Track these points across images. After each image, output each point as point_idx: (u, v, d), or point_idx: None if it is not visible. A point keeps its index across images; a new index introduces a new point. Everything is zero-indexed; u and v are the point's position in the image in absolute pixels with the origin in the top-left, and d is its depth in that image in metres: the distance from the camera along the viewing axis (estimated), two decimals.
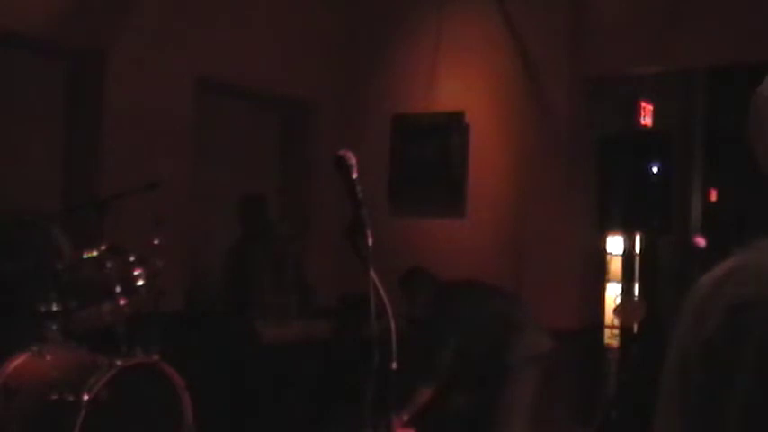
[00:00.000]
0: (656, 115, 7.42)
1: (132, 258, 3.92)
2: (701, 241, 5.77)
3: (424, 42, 6.61)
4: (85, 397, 3.38)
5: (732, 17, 5.39)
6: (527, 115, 6.11)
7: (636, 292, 6.90)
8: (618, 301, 6.47)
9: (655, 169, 6.73)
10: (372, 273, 2.30)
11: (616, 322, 6.58)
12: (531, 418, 4.62)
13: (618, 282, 6.89)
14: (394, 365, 2.38)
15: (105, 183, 5.20)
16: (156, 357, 3.70)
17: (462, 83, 6.47)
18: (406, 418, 4.38)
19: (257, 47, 6.22)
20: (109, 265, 3.85)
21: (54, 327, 3.83)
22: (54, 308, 3.79)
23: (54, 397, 3.44)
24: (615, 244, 6.93)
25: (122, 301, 3.82)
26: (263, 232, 6.08)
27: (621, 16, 5.82)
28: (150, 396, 3.67)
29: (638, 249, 7.04)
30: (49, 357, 3.65)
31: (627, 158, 6.60)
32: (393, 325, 2.34)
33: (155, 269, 3.98)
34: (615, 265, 6.95)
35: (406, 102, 6.73)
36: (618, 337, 6.71)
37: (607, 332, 6.70)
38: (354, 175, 2.32)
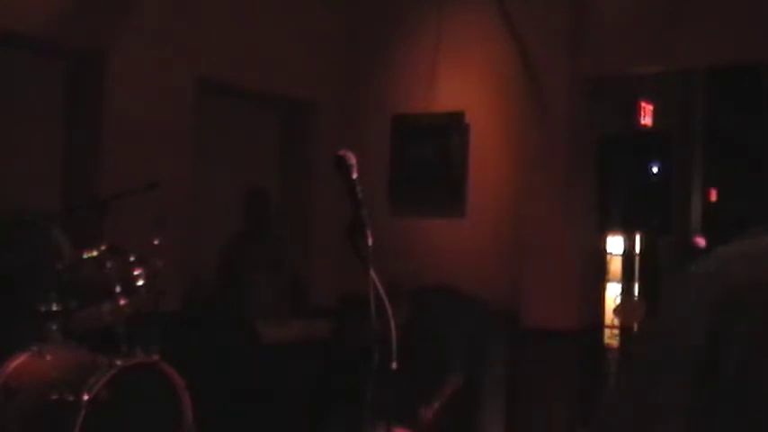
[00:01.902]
0: (656, 115, 7.43)
1: (132, 258, 3.92)
2: (700, 241, 5.78)
3: (425, 42, 6.61)
4: (85, 397, 3.38)
5: (732, 17, 5.39)
6: (527, 115, 6.11)
7: (636, 292, 6.90)
8: (618, 301, 6.47)
9: (655, 169, 6.74)
10: (372, 273, 2.30)
11: (616, 322, 6.58)
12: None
13: (618, 282, 6.89)
14: (394, 365, 2.38)
15: (105, 183, 5.20)
16: (156, 357, 3.70)
17: (462, 83, 6.47)
18: (437, 406, 4.37)
19: (257, 47, 6.22)
20: (109, 265, 3.85)
21: (54, 327, 3.82)
22: (54, 308, 3.79)
23: (54, 397, 3.44)
24: (615, 244, 6.93)
25: (122, 301, 3.82)
26: (264, 230, 6.08)
27: (621, 16, 5.82)
28: (150, 396, 3.67)
29: (638, 249, 7.05)
30: (49, 357, 3.65)
31: (627, 158, 6.61)
32: (393, 325, 2.34)
33: (155, 269, 3.98)
34: (615, 265, 6.95)
35: (406, 102, 6.73)
36: (618, 337, 6.71)
37: (607, 332, 6.70)
38: (354, 175, 2.32)
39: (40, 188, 5.22)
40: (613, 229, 6.74)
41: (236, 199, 6.19)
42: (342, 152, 2.35)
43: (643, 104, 7.31)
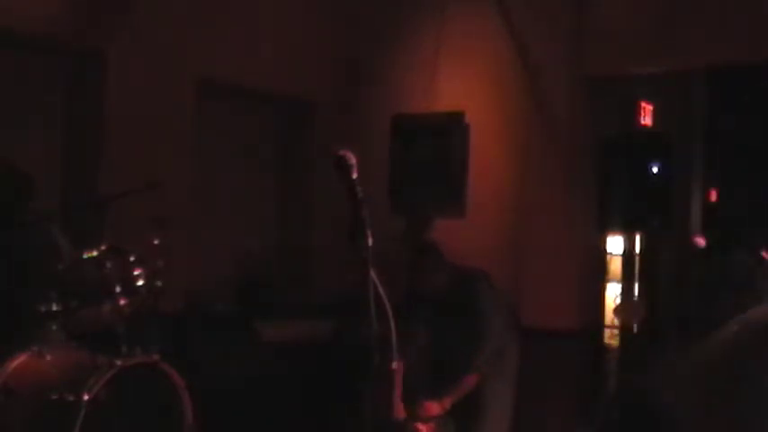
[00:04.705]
0: (656, 115, 7.42)
1: (132, 258, 3.91)
2: (700, 241, 5.77)
3: (425, 43, 6.61)
4: (85, 397, 3.37)
5: (731, 17, 5.39)
6: (527, 115, 6.11)
7: (636, 292, 6.90)
8: (618, 301, 6.47)
9: (655, 169, 6.74)
10: (372, 273, 2.30)
11: (616, 322, 6.58)
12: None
13: (618, 282, 6.89)
14: (394, 365, 2.38)
15: (105, 183, 5.20)
16: (156, 357, 3.69)
17: (462, 83, 6.47)
18: (448, 405, 4.25)
19: (257, 47, 6.22)
20: (109, 265, 3.83)
21: (54, 327, 3.82)
22: (54, 308, 3.78)
23: (54, 397, 3.43)
24: (615, 244, 6.93)
25: (122, 301, 3.80)
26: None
27: (621, 16, 5.82)
28: (150, 396, 3.67)
29: (638, 249, 7.05)
30: (49, 357, 3.65)
31: (627, 158, 6.61)
32: (393, 325, 2.34)
33: (155, 269, 3.98)
34: (615, 265, 6.95)
35: (406, 102, 6.73)
36: (618, 337, 6.71)
37: (607, 332, 6.70)
38: (354, 175, 2.32)
39: (40, 188, 5.22)
40: (613, 229, 6.74)
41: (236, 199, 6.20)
42: (342, 152, 2.34)
43: (643, 104, 7.30)
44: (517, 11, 6.13)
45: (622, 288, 6.83)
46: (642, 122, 7.32)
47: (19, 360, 3.66)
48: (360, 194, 2.31)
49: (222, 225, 6.31)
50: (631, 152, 6.69)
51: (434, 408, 4.20)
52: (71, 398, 3.38)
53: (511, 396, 4.51)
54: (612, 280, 6.87)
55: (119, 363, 3.55)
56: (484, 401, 4.37)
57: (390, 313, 2.33)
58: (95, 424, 3.38)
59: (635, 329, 6.64)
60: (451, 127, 6.48)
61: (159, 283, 3.99)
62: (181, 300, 5.54)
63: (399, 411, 4.14)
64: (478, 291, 4.35)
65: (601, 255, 6.72)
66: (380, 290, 2.30)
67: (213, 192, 6.28)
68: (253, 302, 6.29)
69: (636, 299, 6.71)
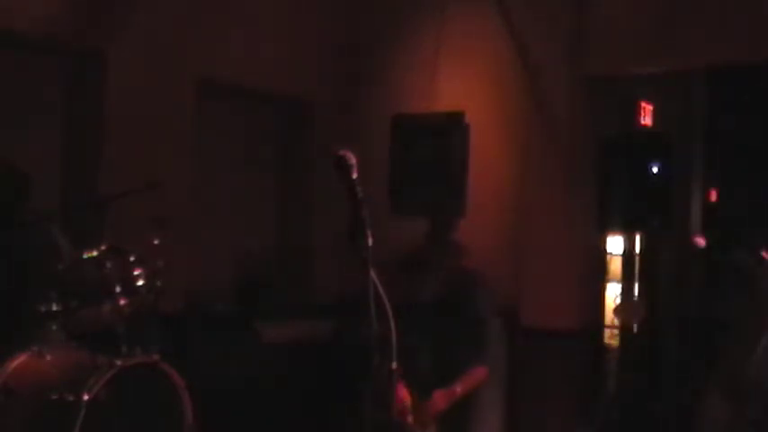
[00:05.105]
0: (656, 115, 7.41)
1: (132, 258, 3.91)
2: (700, 241, 5.76)
3: (425, 42, 6.61)
4: (85, 397, 3.37)
5: (731, 17, 5.39)
6: (527, 115, 6.11)
7: (636, 292, 6.90)
8: (618, 301, 6.47)
9: (655, 169, 6.74)
10: (372, 273, 2.30)
11: (616, 322, 6.58)
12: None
13: (618, 282, 6.89)
14: (394, 365, 2.39)
15: (105, 183, 5.20)
16: (156, 357, 3.70)
17: (462, 83, 6.47)
18: (459, 390, 4.19)
19: (257, 47, 6.23)
20: (109, 265, 3.84)
21: (54, 327, 3.83)
22: (54, 308, 3.79)
23: (54, 397, 3.44)
24: (615, 244, 6.92)
25: (122, 301, 3.81)
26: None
27: (621, 16, 5.82)
28: (150, 396, 3.67)
29: (638, 249, 7.04)
30: (49, 357, 3.65)
31: (627, 158, 6.60)
32: (393, 325, 2.34)
33: (155, 269, 3.98)
34: (615, 265, 6.95)
35: (406, 102, 6.73)
36: (618, 337, 6.71)
37: (607, 332, 6.69)
38: (354, 175, 2.32)
39: (39, 188, 5.22)
40: (613, 229, 6.73)
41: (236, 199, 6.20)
42: (342, 152, 2.34)
43: (643, 104, 7.29)
44: (517, 11, 6.13)
45: (622, 288, 6.83)
46: (642, 122, 7.31)
47: (19, 360, 3.67)
48: (360, 194, 2.32)
49: (222, 225, 6.31)
50: (631, 152, 6.69)
51: (442, 398, 4.13)
52: (71, 398, 3.39)
53: (500, 396, 4.51)
54: (612, 280, 6.86)
55: (119, 363, 3.56)
56: (473, 402, 4.37)
57: (390, 313, 2.33)
58: (95, 424, 3.38)
59: (635, 329, 6.64)
60: (451, 127, 6.48)
61: (159, 283, 4.00)
62: (181, 300, 5.54)
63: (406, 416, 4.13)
64: (476, 292, 4.36)
65: (601, 255, 6.71)
66: (380, 290, 2.30)
67: (213, 192, 6.28)
68: (253, 302, 6.29)
69: (636, 299, 6.70)
